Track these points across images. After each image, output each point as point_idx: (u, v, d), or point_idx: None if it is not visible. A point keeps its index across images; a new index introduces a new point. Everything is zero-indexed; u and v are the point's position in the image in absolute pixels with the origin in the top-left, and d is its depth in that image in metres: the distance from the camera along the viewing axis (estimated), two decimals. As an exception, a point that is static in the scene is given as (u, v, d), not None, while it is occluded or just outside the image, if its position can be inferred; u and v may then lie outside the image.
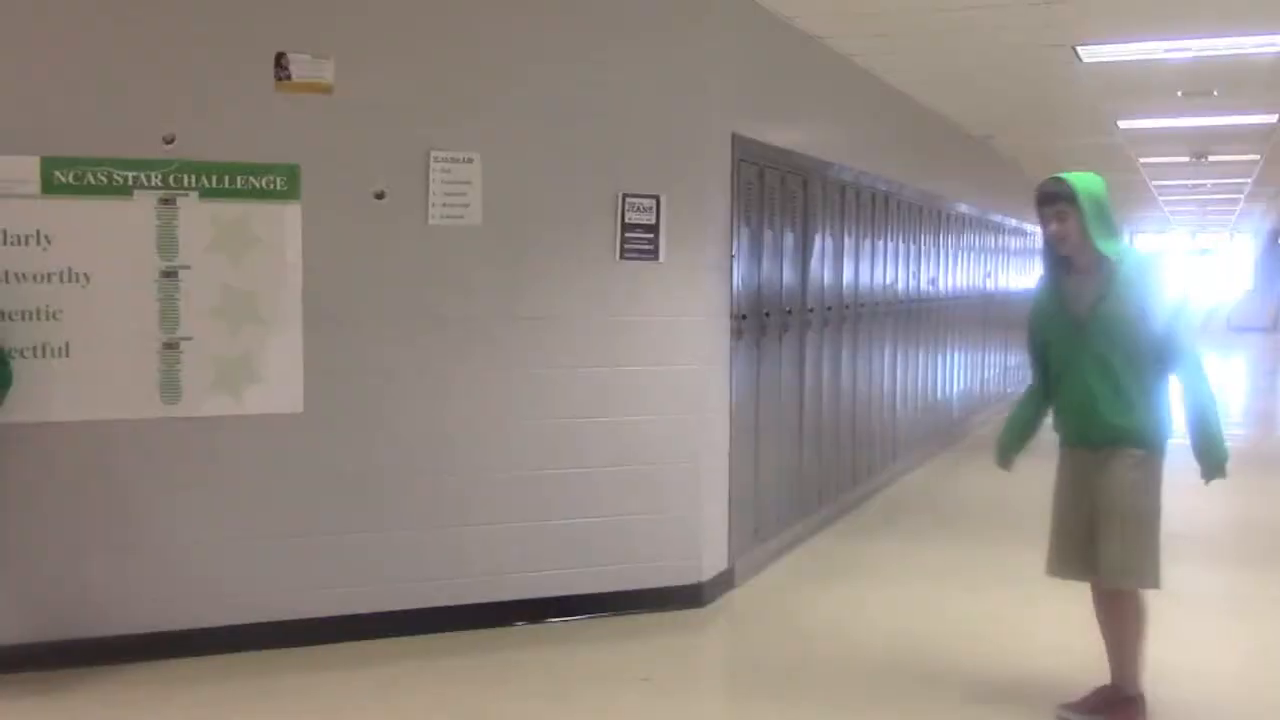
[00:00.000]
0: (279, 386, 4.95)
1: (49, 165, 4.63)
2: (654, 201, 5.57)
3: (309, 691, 4.60)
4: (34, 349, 4.62)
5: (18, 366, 4.53)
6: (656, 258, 5.58)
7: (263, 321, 4.92)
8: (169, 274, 4.79)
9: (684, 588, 5.68)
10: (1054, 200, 4.12)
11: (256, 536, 4.96)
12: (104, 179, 4.70)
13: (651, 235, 5.57)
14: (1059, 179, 4.16)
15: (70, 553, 4.75)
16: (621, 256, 5.51)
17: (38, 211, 4.62)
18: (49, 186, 4.64)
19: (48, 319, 4.65)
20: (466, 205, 5.20)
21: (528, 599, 5.41)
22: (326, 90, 4.99)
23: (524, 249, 5.32)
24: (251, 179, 4.89)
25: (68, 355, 4.67)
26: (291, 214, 4.94)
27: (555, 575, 5.47)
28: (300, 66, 4.95)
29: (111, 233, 4.72)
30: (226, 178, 4.85)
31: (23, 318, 4.60)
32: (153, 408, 4.78)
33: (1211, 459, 4.08)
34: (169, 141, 4.77)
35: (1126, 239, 4.74)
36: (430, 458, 5.23)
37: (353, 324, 5.07)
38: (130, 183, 4.73)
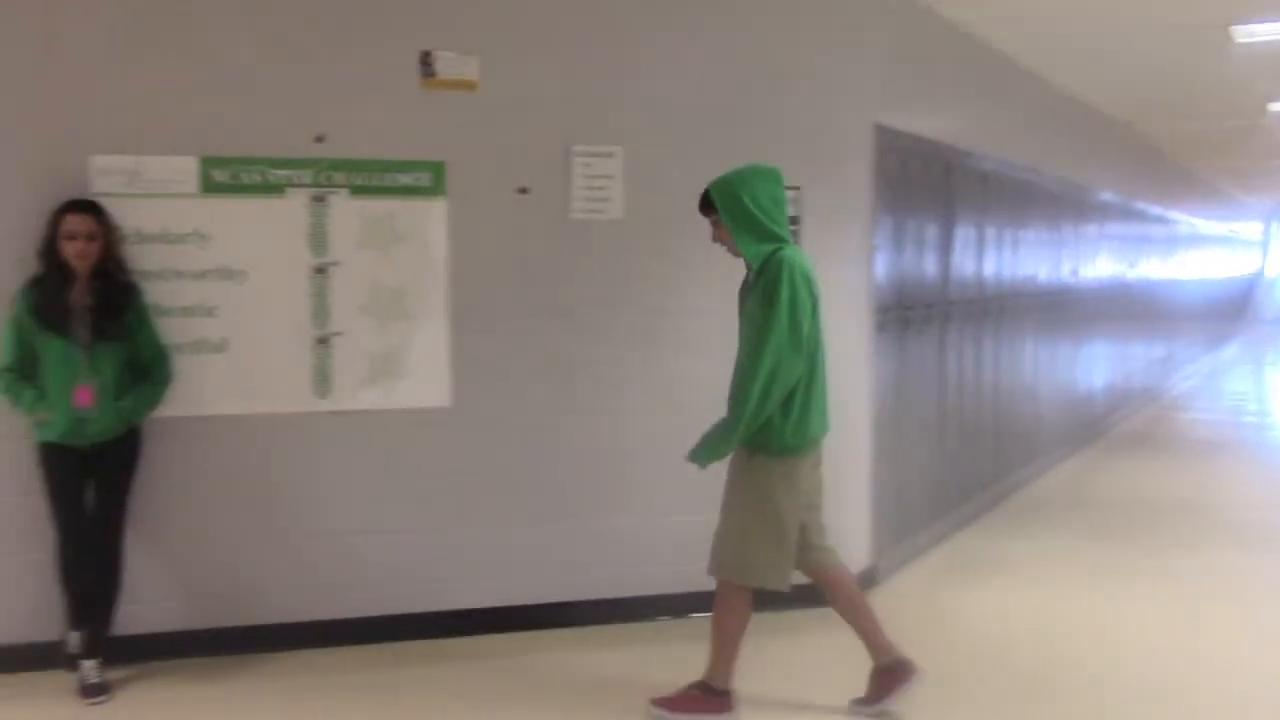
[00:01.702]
0: (426, 380, 5.02)
1: (207, 165, 4.76)
2: (795, 193, 5.48)
3: (460, 681, 4.64)
4: (193, 344, 4.75)
5: (178, 361, 4.67)
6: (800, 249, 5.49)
7: (410, 316, 4.99)
8: (320, 270, 4.88)
9: (826, 585, 5.59)
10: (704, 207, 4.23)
11: (405, 528, 5.03)
12: (259, 178, 4.81)
13: (794, 227, 5.47)
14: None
15: (227, 542, 4.88)
16: (763, 249, 5.44)
17: (196, 210, 4.76)
18: (207, 186, 4.77)
19: (206, 315, 4.78)
20: (608, 199, 5.20)
21: (670, 594, 5.39)
22: (471, 87, 5.03)
23: (665, 242, 5.30)
24: (399, 176, 4.95)
25: (225, 351, 4.80)
26: (438, 210, 5.00)
27: (697, 570, 5.42)
28: (445, 64, 5.00)
29: (266, 230, 4.83)
30: (375, 175, 4.93)
31: (182, 314, 4.74)
32: (306, 401, 4.88)
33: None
34: (319, 140, 4.86)
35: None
36: (574, 451, 5.24)
37: (497, 318, 5.11)
38: (283, 181, 4.83)
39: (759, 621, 4.32)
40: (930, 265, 6.74)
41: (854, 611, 4.39)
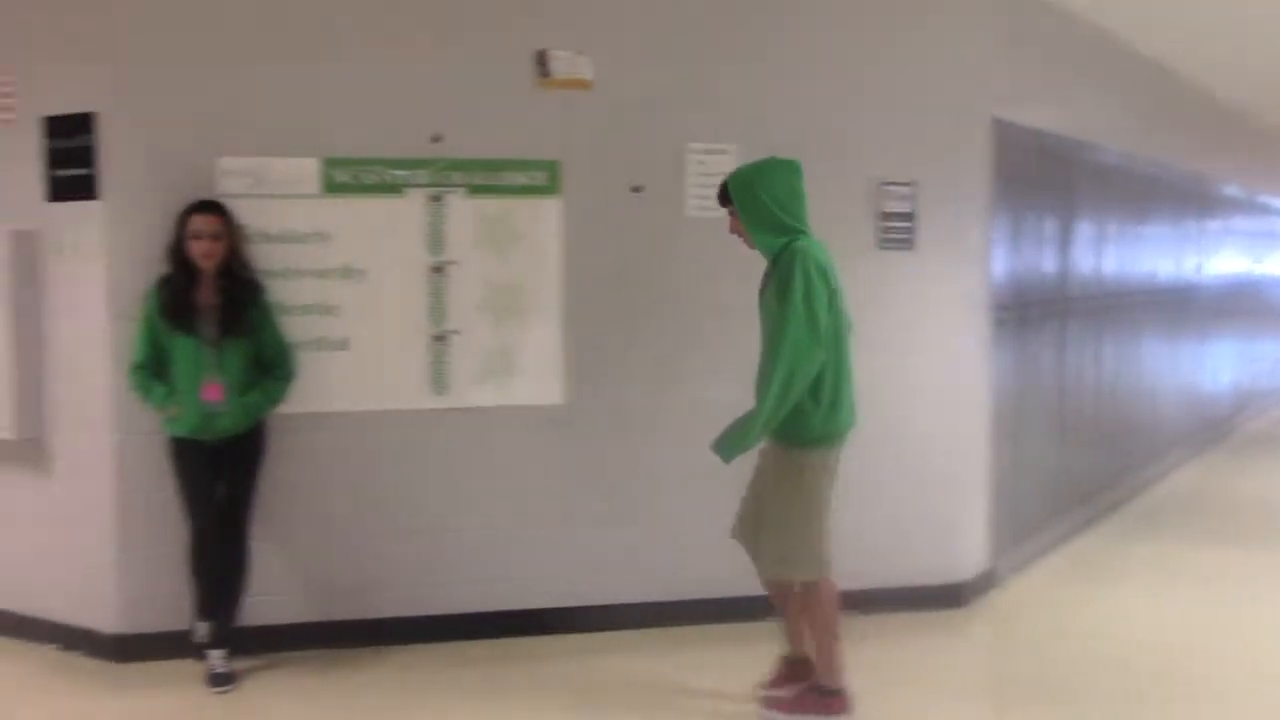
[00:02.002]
0: (539, 378, 5.05)
1: (328, 166, 4.85)
2: (912, 189, 5.41)
3: (571, 678, 4.66)
4: (315, 342, 4.84)
5: (301, 359, 4.76)
6: (914, 247, 5.43)
7: (525, 314, 5.03)
8: (437, 269, 4.94)
9: (943, 587, 5.51)
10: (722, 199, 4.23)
11: (521, 525, 5.07)
12: (378, 178, 4.89)
13: (909, 224, 5.42)
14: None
15: (347, 537, 4.96)
16: (879, 246, 5.38)
17: (318, 211, 4.85)
18: (328, 186, 4.85)
19: (327, 314, 4.87)
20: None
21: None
22: (586, 86, 5.04)
23: (781, 239, 5.25)
24: (514, 175, 4.99)
25: (346, 348, 4.88)
26: (552, 209, 5.03)
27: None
28: (561, 63, 5.02)
29: (385, 230, 4.90)
30: (491, 174, 4.97)
31: (305, 312, 4.83)
32: (423, 398, 4.95)
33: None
34: (437, 140, 4.92)
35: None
36: (682, 450, 5.22)
37: (610, 316, 5.11)
38: (402, 181, 4.90)
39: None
40: (1049, 262, 6.59)
41: (834, 635, 4.29)
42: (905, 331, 5.45)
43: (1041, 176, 6.40)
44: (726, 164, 5.13)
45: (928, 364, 5.49)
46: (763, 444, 4.20)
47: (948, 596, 5.51)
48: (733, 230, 4.24)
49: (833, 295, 4.05)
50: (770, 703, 4.28)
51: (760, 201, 4.10)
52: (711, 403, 5.15)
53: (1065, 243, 6.78)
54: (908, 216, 5.41)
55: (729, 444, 4.07)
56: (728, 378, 5.21)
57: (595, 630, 5.06)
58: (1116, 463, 7.78)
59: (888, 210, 5.37)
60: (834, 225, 5.26)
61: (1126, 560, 6.59)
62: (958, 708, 4.54)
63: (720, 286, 5.17)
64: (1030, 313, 6.27)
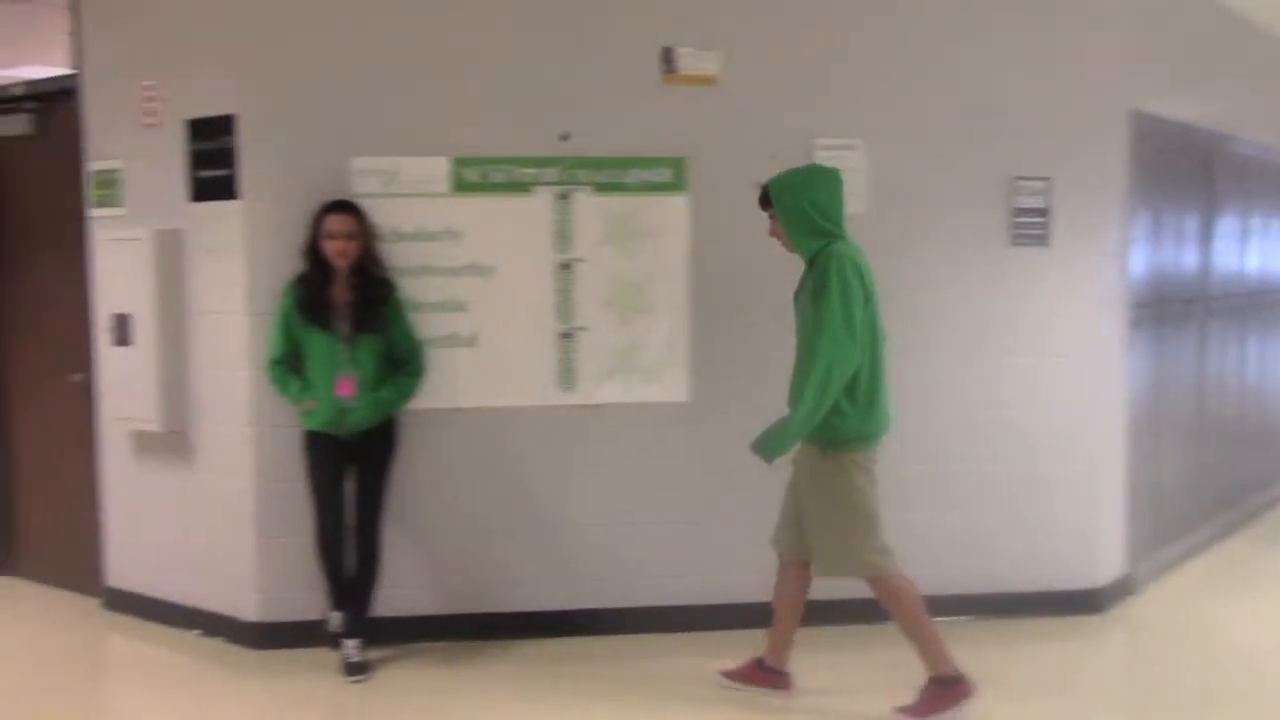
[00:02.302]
0: (666, 375, 5.05)
1: (458, 165, 4.92)
2: (1046, 184, 5.28)
3: (699, 676, 4.65)
4: (445, 339, 4.92)
5: (431, 355, 4.84)
6: (1049, 243, 5.29)
7: (651, 312, 5.03)
8: (565, 266, 4.97)
9: (1079, 592, 5.37)
10: (763, 203, 4.28)
11: (648, 522, 5.07)
12: (506, 177, 4.94)
13: (1043, 220, 5.29)
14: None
15: (476, 532, 5.03)
16: (1012, 243, 5.26)
17: (448, 209, 4.92)
18: (458, 185, 4.92)
19: (457, 310, 4.93)
20: (850, 193, 5.06)
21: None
22: (712, 82, 5.03)
23: (908, 237, 5.17)
24: (641, 173, 5.00)
25: (475, 345, 4.95)
26: (679, 206, 5.02)
27: (937, 572, 5.25)
28: (687, 60, 5.01)
29: (513, 228, 4.95)
30: (617, 172, 4.98)
31: (436, 309, 4.91)
32: (550, 395, 4.99)
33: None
34: (565, 139, 4.95)
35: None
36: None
37: (736, 314, 5.08)
38: (530, 180, 4.95)
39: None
40: (1189, 258, 6.37)
41: (794, 616, 4.40)
42: (1038, 330, 5.32)
43: (1181, 170, 6.19)
44: (854, 159, 5.10)
45: (1062, 364, 5.34)
46: (797, 448, 4.20)
47: (1084, 602, 5.36)
48: (772, 233, 4.30)
49: (868, 297, 4.09)
50: (904, 713, 4.21)
51: (802, 208, 4.16)
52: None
53: (1206, 238, 6.55)
54: (1042, 212, 5.27)
55: (770, 444, 4.12)
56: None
57: (726, 628, 5.04)
58: (1260, 465, 7.49)
59: (1021, 206, 5.25)
60: (963, 221, 5.23)
61: (1270, 566, 6.35)
62: (1096, 715, 4.41)
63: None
64: (1169, 311, 6.07)
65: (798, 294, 4.24)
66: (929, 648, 4.19)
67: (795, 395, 4.13)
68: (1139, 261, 5.71)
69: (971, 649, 4.92)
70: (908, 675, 4.22)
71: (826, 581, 4.31)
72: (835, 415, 4.06)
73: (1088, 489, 5.42)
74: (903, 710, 4.20)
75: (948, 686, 4.17)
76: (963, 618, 5.24)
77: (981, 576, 5.29)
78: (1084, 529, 5.42)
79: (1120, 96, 5.51)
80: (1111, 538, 5.54)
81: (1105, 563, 5.49)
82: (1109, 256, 5.47)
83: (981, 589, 5.29)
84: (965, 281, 5.25)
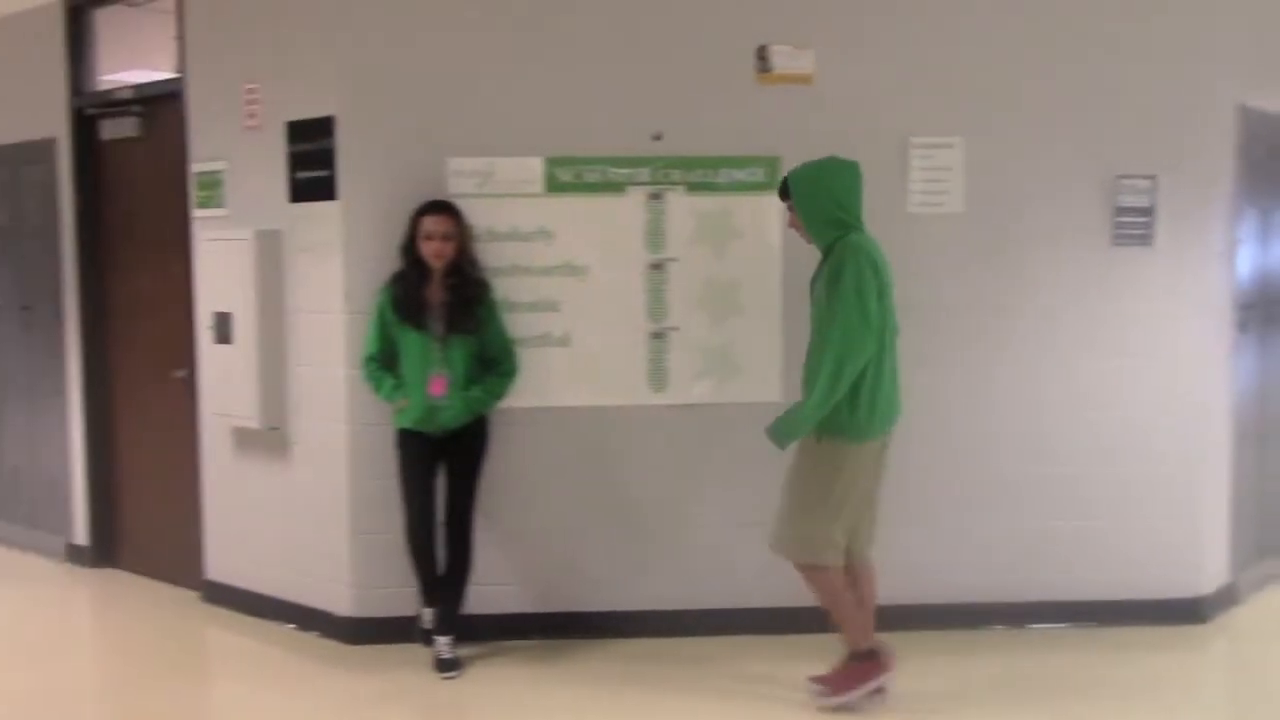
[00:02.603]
0: (758, 375, 5.01)
1: (552, 165, 4.94)
2: (1150, 183, 5.15)
3: (784, 679, 4.62)
4: (537, 338, 4.94)
5: (523, 354, 4.86)
6: (1152, 243, 5.16)
7: (743, 312, 5.00)
8: (657, 266, 4.97)
9: (1180, 601, 5.23)
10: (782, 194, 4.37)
11: (738, 523, 5.03)
12: (599, 177, 4.95)
13: (1147, 219, 5.16)
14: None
15: (566, 530, 5.04)
16: (1114, 242, 5.14)
17: (542, 209, 4.94)
18: (552, 185, 4.94)
19: (549, 310, 4.96)
20: (947, 192, 5.04)
21: (1004, 602, 5.17)
22: (807, 81, 4.99)
23: (1007, 236, 5.08)
24: (733, 172, 4.97)
25: (568, 344, 4.96)
26: (772, 205, 4.96)
27: (1034, 579, 5.20)
28: (781, 58, 4.98)
29: (606, 228, 4.96)
30: (710, 172, 4.97)
31: (529, 309, 4.93)
32: (642, 395, 4.98)
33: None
34: (657, 138, 4.95)
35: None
36: (902, 452, 5.09)
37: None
38: (623, 180, 4.95)
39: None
40: (1299, 259, 6.17)
41: (848, 607, 4.36)
42: (1140, 332, 5.19)
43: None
44: (952, 158, 5.03)
45: (1164, 367, 5.21)
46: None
47: (1186, 612, 5.22)
48: (791, 225, 4.39)
49: (882, 290, 4.12)
50: (819, 689, 4.36)
51: (820, 200, 4.23)
52: (926, 395, 5.06)
53: (1317, 238, 6.33)
54: (1146, 211, 5.14)
55: (782, 431, 4.18)
56: (951, 376, 5.11)
57: (814, 632, 4.98)
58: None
59: (1124, 205, 5.12)
60: (1064, 221, 5.13)
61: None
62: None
63: (940, 284, 5.05)
64: (1277, 313, 5.88)
65: (813, 281, 4.29)
66: (849, 624, 4.30)
67: (808, 384, 4.19)
68: (1246, 262, 5.54)
69: (1074, 656, 4.87)
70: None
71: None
72: (834, 409, 4.11)
73: (1190, 496, 5.27)
74: (816, 679, 4.36)
75: (865, 659, 4.30)
76: (1064, 625, 5.15)
77: (1084, 583, 5.19)
78: (1187, 536, 5.27)
79: (1229, 92, 5.34)
80: (1215, 546, 5.38)
81: (1208, 572, 5.34)
82: (1215, 257, 5.32)
83: (1083, 596, 5.18)
84: (1065, 282, 5.14)
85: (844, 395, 4.08)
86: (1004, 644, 5.03)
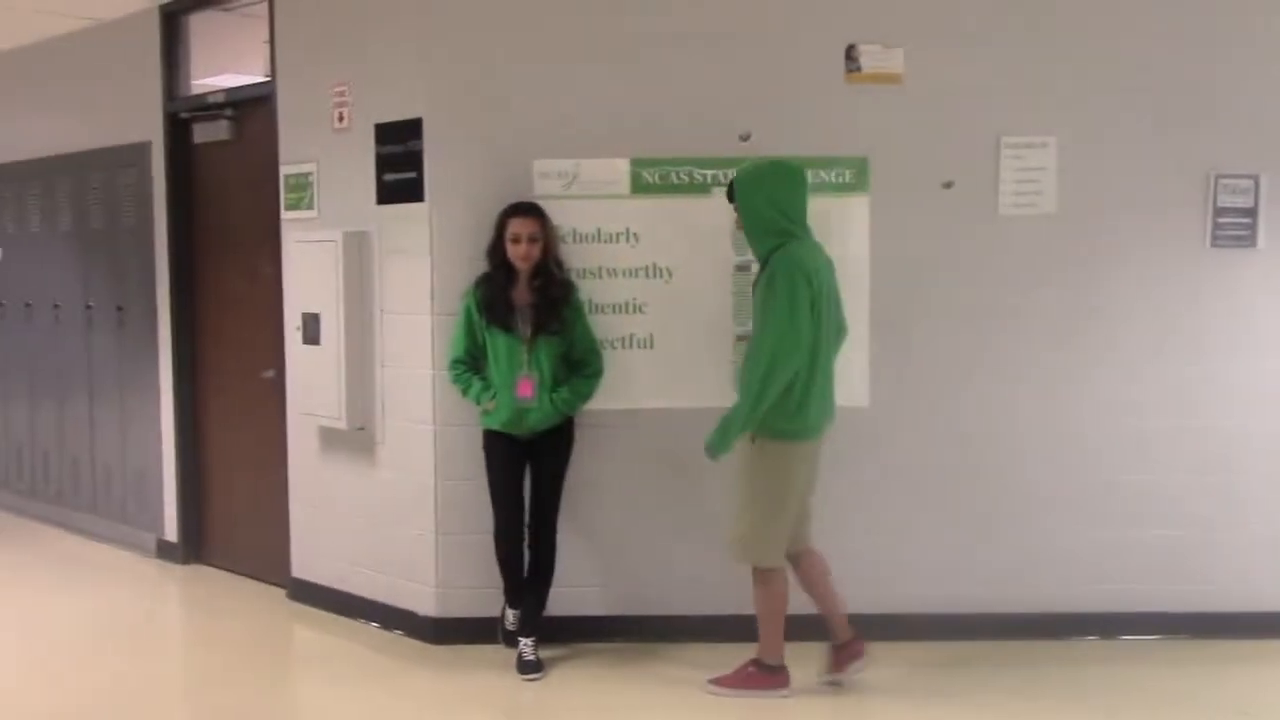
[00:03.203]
0: (844, 380, 4.90)
1: (637, 166, 4.92)
2: (1251, 182, 5.00)
3: (887, 686, 4.56)
4: (622, 340, 4.92)
5: (608, 356, 4.85)
6: (1254, 244, 5.01)
7: (830, 315, 4.94)
8: (742, 268, 4.92)
9: (1280, 615, 5.08)
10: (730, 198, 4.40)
11: (827, 530, 4.93)
12: (685, 178, 4.92)
13: (1249, 219, 5.01)
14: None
15: (649, 533, 5.02)
16: (1213, 244, 5.00)
17: (627, 210, 4.93)
18: (637, 186, 4.93)
19: (634, 312, 4.94)
20: (1040, 193, 4.93)
21: (1096, 613, 5.05)
22: (896, 80, 4.92)
23: (1102, 237, 4.96)
24: (821, 173, 4.91)
25: (651, 347, 4.94)
26: (860, 207, 4.93)
27: (1128, 590, 5.06)
28: (871, 57, 4.92)
29: (691, 229, 4.93)
30: (797, 173, 4.92)
31: (614, 311, 4.92)
32: (727, 398, 4.88)
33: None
34: (745, 139, 4.91)
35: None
36: (994, 458, 5.02)
37: (919, 317, 4.96)
38: (709, 181, 4.91)
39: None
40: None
41: (814, 586, 4.56)
42: (1242, 334, 5.03)
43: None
44: (1045, 157, 4.93)
45: (1264, 372, 5.05)
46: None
47: (1290, 625, 5.07)
48: (738, 226, 4.44)
49: (814, 301, 4.19)
50: (716, 681, 4.49)
51: (759, 205, 4.30)
52: (1011, 405, 4.97)
53: None
54: (1248, 212, 5.00)
55: (714, 440, 4.26)
56: (1042, 380, 5.00)
57: (893, 640, 4.91)
58: None
59: (1224, 205, 4.98)
60: (1161, 221, 5.00)
61: None
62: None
63: (1032, 289, 4.96)
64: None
65: (754, 286, 4.38)
66: (769, 637, 4.42)
67: (739, 391, 4.32)
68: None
69: (1171, 669, 4.75)
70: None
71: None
72: (767, 413, 4.22)
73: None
74: (715, 680, 4.48)
75: (769, 672, 4.43)
76: (1161, 637, 5.01)
77: (1168, 594, 5.05)
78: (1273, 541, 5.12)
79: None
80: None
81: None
82: (1320, 260, 5.15)
83: (1168, 607, 5.04)
84: (1162, 284, 5.01)
85: (775, 400, 4.18)
86: (1098, 656, 4.91)
